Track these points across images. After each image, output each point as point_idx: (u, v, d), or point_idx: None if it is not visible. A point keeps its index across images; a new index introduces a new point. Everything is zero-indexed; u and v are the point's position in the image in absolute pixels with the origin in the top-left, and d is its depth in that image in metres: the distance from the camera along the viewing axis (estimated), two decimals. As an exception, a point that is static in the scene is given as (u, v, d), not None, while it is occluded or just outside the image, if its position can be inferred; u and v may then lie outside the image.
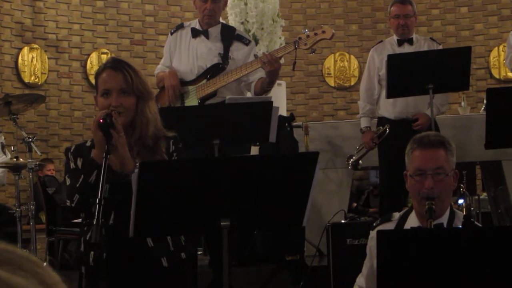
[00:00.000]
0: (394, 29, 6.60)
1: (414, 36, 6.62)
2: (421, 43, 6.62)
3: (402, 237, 2.94)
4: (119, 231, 3.25)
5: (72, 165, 3.54)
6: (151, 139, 3.48)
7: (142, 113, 3.48)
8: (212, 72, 5.75)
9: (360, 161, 6.69)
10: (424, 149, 3.48)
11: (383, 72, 6.41)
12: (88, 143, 3.60)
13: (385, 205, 6.55)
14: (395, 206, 5.99)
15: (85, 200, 3.33)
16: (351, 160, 6.72)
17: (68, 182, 3.52)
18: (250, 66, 5.64)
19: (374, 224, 3.72)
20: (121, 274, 3.38)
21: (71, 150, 3.57)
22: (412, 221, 3.53)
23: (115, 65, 3.53)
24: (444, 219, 3.46)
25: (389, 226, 3.60)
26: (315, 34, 5.65)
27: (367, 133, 6.57)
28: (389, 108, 6.53)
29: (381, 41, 6.86)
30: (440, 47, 6.73)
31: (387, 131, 6.44)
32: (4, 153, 7.53)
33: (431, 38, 6.84)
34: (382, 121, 6.60)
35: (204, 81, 5.76)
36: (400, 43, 6.58)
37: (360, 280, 3.76)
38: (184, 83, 5.81)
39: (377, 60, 6.61)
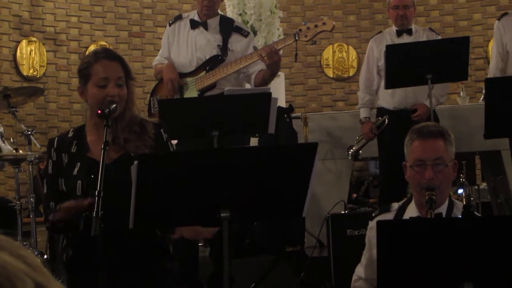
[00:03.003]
0: (393, 20, 6.60)
1: (413, 26, 6.62)
2: (420, 34, 6.62)
3: (401, 227, 2.94)
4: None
5: (50, 167, 3.52)
6: (138, 124, 3.48)
7: (131, 101, 3.49)
8: (211, 63, 5.75)
9: (360, 151, 6.70)
10: (423, 140, 3.49)
11: (382, 62, 6.41)
12: (70, 134, 3.58)
13: (385, 195, 6.55)
14: (395, 197, 6.01)
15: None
16: (351, 150, 6.72)
17: (45, 189, 3.54)
18: (249, 58, 5.63)
19: (373, 215, 3.73)
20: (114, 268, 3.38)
21: (54, 146, 3.53)
22: (411, 211, 3.54)
23: (109, 54, 3.52)
24: (443, 209, 3.47)
25: (388, 216, 3.60)
26: (316, 26, 5.64)
27: (366, 124, 6.57)
28: (388, 98, 6.53)
29: (380, 31, 6.86)
30: (439, 37, 6.72)
31: (386, 122, 6.44)
32: (3, 142, 7.52)
33: (430, 29, 6.84)
34: (381, 111, 6.61)
35: (203, 72, 5.75)
36: (399, 33, 6.58)
37: (359, 270, 3.77)
38: (182, 74, 5.81)
39: (376, 51, 6.61)
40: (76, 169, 3.44)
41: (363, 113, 6.64)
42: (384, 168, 6.69)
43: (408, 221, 3.32)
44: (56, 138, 3.59)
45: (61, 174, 3.48)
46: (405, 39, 6.52)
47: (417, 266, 2.78)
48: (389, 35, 6.65)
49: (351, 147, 6.74)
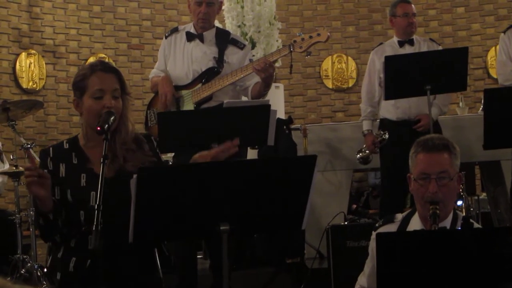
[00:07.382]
0: (403, 29, 6.56)
1: (414, 37, 6.63)
2: (421, 44, 6.62)
3: (400, 239, 2.94)
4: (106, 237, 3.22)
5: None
6: (134, 142, 3.48)
7: (126, 115, 3.48)
8: (207, 76, 5.75)
9: (371, 156, 6.65)
10: (428, 153, 3.47)
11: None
12: (66, 145, 3.54)
13: (386, 206, 6.55)
14: (395, 207, 6.03)
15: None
16: (360, 154, 6.68)
17: None
18: (245, 69, 5.63)
19: (377, 225, 3.72)
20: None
21: (50, 155, 3.51)
22: (415, 224, 3.53)
23: (106, 67, 3.52)
24: (447, 223, 3.46)
25: (392, 227, 3.59)
26: (310, 37, 5.64)
27: (368, 136, 6.58)
28: (392, 109, 6.53)
29: (381, 43, 6.85)
30: (440, 47, 6.73)
31: (387, 138, 6.43)
32: (2, 160, 7.50)
33: (431, 39, 6.85)
34: (383, 122, 6.60)
35: (199, 85, 5.75)
36: (401, 44, 6.58)
37: (362, 280, 3.76)
38: (179, 87, 5.81)
39: (377, 62, 6.60)
40: (83, 180, 3.43)
41: (365, 125, 6.64)
42: (386, 179, 6.67)
43: (407, 234, 3.31)
44: (51, 148, 3.56)
45: (57, 183, 3.44)
46: (407, 49, 6.52)
47: (415, 278, 2.77)
48: (390, 47, 6.64)
49: (360, 151, 6.70)
